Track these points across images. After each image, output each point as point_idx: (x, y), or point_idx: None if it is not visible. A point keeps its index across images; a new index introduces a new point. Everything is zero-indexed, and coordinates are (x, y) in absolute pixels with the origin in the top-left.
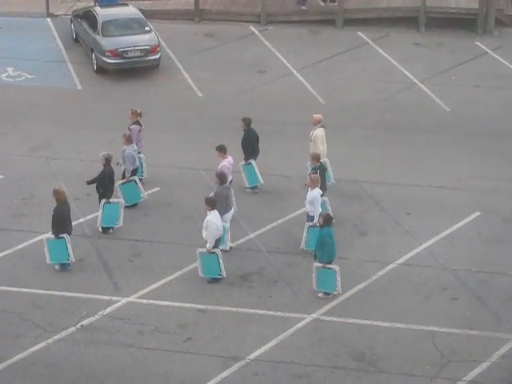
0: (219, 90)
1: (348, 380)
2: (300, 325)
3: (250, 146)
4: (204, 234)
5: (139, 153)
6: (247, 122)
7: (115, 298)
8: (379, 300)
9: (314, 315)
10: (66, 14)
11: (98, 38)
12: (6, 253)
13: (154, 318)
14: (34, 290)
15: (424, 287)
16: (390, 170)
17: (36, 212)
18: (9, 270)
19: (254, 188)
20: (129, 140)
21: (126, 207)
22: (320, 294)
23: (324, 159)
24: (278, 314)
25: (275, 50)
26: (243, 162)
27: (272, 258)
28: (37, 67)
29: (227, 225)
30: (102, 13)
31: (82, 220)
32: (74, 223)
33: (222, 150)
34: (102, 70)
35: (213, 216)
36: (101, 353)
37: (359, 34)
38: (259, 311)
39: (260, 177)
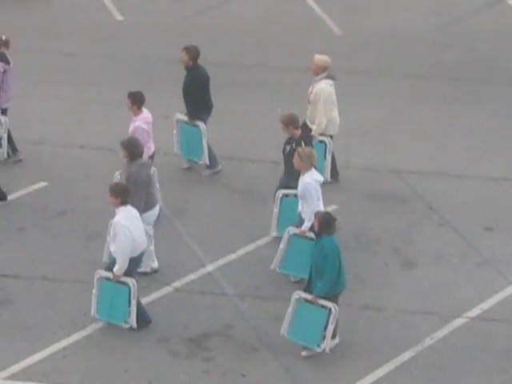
0: (153, 11)
1: None
2: None
3: (198, 95)
4: (112, 248)
5: (3, 112)
6: (193, 53)
7: None
8: (437, 381)
9: None
10: None
11: None
12: None
13: None
14: None
15: None
16: (456, 152)
17: None
18: None
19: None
20: None
21: None
22: (304, 353)
23: (318, 135)
24: None
25: None
26: (181, 117)
27: (246, 308)
28: None
29: (151, 230)
30: None
31: None
32: None
33: (136, 99)
34: None
35: (124, 215)
36: None
37: None
38: None
39: (206, 149)
